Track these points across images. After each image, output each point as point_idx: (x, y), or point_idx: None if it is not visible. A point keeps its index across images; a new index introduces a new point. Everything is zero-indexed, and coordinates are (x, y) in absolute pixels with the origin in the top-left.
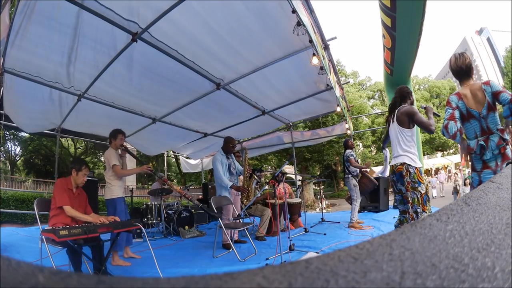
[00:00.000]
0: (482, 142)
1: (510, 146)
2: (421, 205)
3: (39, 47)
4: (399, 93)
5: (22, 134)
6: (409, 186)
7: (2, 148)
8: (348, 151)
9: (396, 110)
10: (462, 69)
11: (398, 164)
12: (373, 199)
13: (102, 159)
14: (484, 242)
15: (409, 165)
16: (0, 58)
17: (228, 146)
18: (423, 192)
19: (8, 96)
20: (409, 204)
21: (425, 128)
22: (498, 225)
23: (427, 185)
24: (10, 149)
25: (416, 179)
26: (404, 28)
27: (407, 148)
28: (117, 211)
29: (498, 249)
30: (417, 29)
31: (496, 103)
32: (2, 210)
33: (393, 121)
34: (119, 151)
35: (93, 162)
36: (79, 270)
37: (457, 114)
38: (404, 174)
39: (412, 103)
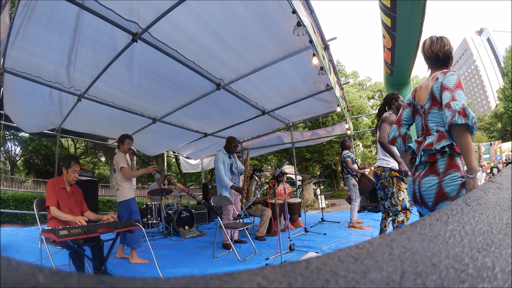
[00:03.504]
0: (411, 145)
1: (446, 161)
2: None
3: (39, 47)
4: (384, 100)
5: (22, 134)
6: (385, 184)
7: (2, 148)
8: (345, 152)
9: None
10: (438, 56)
11: (376, 167)
12: (373, 199)
13: (102, 159)
14: (484, 242)
15: (384, 167)
16: (0, 58)
17: (231, 146)
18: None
19: (8, 96)
20: (388, 200)
21: (379, 135)
22: (498, 225)
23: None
24: (10, 149)
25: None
26: (404, 28)
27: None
28: (133, 211)
29: (498, 249)
30: (417, 30)
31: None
32: (2, 210)
33: (376, 128)
34: (127, 154)
35: (93, 162)
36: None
37: (406, 114)
38: (379, 174)
39: (398, 108)
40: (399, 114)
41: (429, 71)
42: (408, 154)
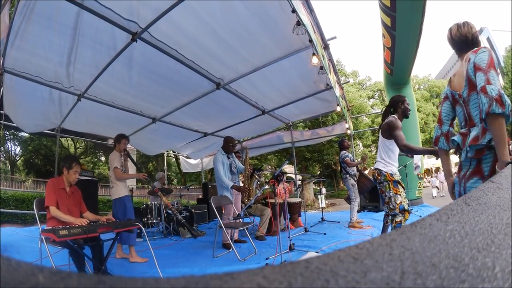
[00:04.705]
0: (455, 138)
1: (493, 159)
2: (392, 203)
3: (38, 47)
4: (390, 102)
5: (22, 134)
6: (382, 189)
7: (2, 148)
8: (343, 152)
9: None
10: (467, 38)
11: (374, 169)
12: (372, 198)
13: (102, 159)
14: (484, 242)
15: (380, 170)
16: (0, 58)
17: (228, 146)
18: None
19: (8, 96)
20: (386, 205)
21: (397, 144)
22: (498, 225)
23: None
24: (10, 149)
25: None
26: (404, 27)
27: (384, 157)
28: (127, 207)
29: (498, 249)
30: (417, 29)
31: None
32: (2, 210)
33: (379, 130)
34: (122, 154)
35: (93, 162)
36: (83, 272)
37: (445, 110)
38: (375, 177)
39: (404, 111)
40: (438, 113)
41: (458, 61)
42: (448, 156)
